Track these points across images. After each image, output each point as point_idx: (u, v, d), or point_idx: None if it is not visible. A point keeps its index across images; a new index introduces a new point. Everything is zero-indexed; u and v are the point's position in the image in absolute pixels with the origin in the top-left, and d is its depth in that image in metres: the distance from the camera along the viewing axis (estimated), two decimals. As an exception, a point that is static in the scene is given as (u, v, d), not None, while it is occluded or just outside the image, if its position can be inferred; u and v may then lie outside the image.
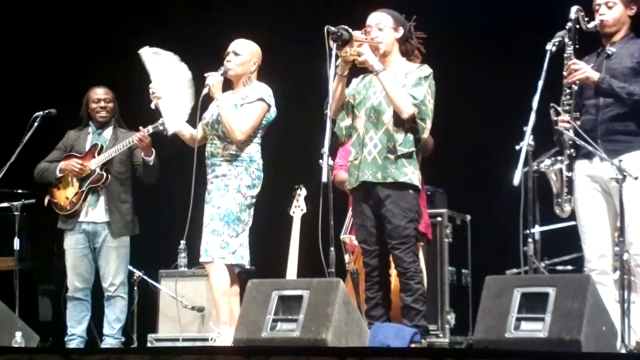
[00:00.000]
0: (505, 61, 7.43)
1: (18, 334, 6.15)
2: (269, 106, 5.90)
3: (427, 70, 5.57)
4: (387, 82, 5.45)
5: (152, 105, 6.11)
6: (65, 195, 6.84)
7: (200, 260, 5.88)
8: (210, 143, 5.94)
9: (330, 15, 5.66)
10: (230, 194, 5.80)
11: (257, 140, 5.91)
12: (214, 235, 5.79)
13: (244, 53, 5.94)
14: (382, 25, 5.60)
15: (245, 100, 5.87)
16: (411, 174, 5.49)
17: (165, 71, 6.13)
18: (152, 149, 6.70)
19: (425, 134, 5.57)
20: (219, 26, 7.60)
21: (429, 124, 5.54)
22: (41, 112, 6.83)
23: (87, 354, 4.18)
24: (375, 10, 5.68)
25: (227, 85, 6.00)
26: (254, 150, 5.88)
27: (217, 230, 5.78)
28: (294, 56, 7.80)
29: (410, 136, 5.50)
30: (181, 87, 6.11)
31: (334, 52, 5.36)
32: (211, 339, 5.84)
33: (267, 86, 5.95)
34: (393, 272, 5.63)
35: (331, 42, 5.35)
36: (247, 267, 5.97)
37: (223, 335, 5.71)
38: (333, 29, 5.37)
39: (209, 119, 5.94)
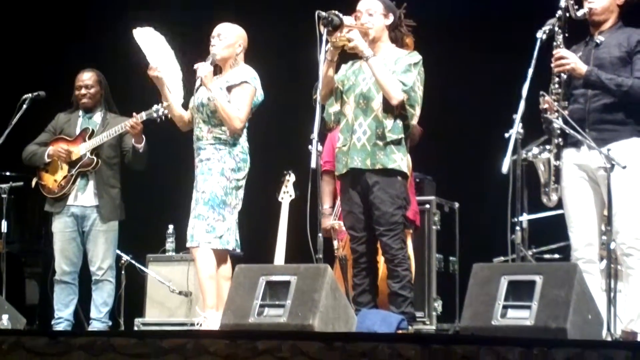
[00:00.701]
0: (496, 49, 7.42)
1: (5, 317, 6.16)
2: (255, 89, 5.89)
3: (416, 57, 5.56)
4: (376, 68, 5.45)
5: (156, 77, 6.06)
6: (53, 179, 6.82)
7: (187, 245, 5.88)
8: (196, 127, 5.94)
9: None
10: (214, 177, 5.79)
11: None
12: (199, 220, 5.78)
13: (228, 36, 5.93)
14: (373, 11, 5.59)
15: (229, 83, 5.86)
16: (400, 160, 5.49)
17: (159, 50, 6.12)
18: (143, 136, 6.69)
19: (414, 120, 5.57)
20: (208, 9, 7.58)
21: (418, 111, 5.55)
22: (30, 94, 6.79)
23: (74, 337, 4.18)
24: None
25: (216, 69, 5.99)
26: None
27: (202, 215, 5.77)
28: (284, 41, 7.80)
29: (400, 122, 5.50)
30: (173, 64, 6.11)
31: (324, 37, 5.35)
32: (197, 324, 5.83)
33: (252, 69, 5.93)
34: (381, 258, 5.63)
35: (322, 27, 5.34)
36: (237, 251, 5.97)
37: (209, 320, 5.71)
38: (324, 13, 5.36)
39: (194, 102, 5.94)
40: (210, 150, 5.83)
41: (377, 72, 5.44)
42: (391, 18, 5.62)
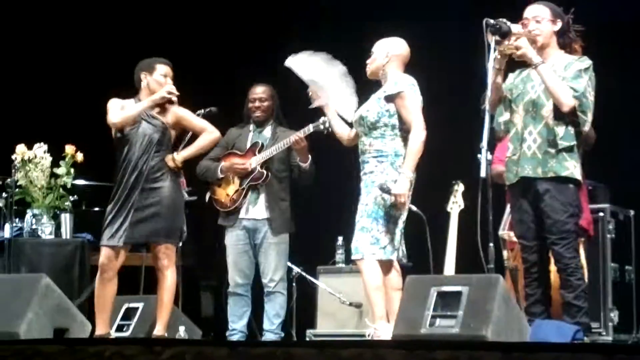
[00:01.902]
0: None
1: (181, 329, 6.28)
2: (415, 94, 5.85)
3: (587, 61, 5.45)
4: (546, 75, 5.37)
5: (313, 105, 6.20)
6: (226, 193, 6.96)
7: (352, 257, 5.89)
8: (359, 140, 5.97)
9: (488, 7, 5.61)
10: (376, 189, 5.79)
11: (402, 134, 5.87)
12: (362, 232, 5.78)
13: (375, 51, 5.98)
14: (540, 18, 5.52)
15: (386, 93, 5.86)
16: (573, 168, 5.39)
17: (318, 70, 6.19)
18: (309, 155, 6.77)
19: (587, 127, 5.45)
20: (376, 22, 7.62)
21: (590, 117, 5.43)
22: (202, 110, 6.90)
23: (253, 347, 4.25)
24: (532, 2, 5.60)
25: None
26: (399, 144, 5.85)
27: (366, 227, 5.78)
28: (452, 49, 7.73)
29: (571, 129, 5.40)
30: (339, 80, 6.16)
31: (492, 45, 5.32)
32: (368, 335, 5.84)
33: (409, 76, 5.90)
34: (553, 268, 5.53)
35: (489, 35, 5.31)
36: (404, 261, 5.95)
37: (380, 331, 5.71)
38: (492, 21, 5.34)
39: (355, 117, 5.98)
40: (373, 163, 5.85)
41: (547, 79, 5.36)
42: (559, 24, 5.52)
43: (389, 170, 5.81)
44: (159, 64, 6.22)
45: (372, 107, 5.90)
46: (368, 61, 6.01)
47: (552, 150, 5.39)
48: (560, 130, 5.39)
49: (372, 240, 5.76)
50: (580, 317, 5.31)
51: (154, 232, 6.08)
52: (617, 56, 7.13)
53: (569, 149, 5.39)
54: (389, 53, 5.94)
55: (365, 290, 5.86)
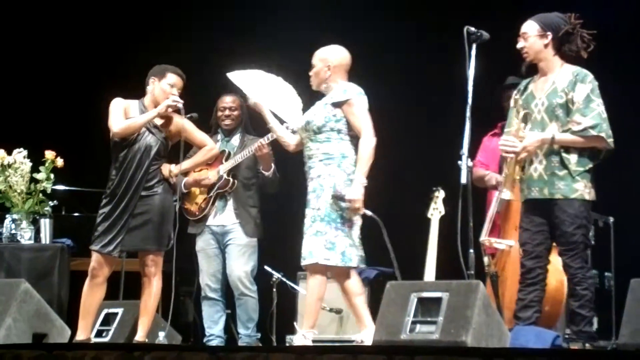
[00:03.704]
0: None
1: (161, 334, 6.25)
2: (362, 102, 5.84)
3: (588, 79, 5.44)
4: (567, 140, 5.40)
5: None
6: (194, 201, 6.98)
7: (304, 263, 5.80)
8: (305, 146, 5.93)
9: (476, 17, 5.62)
10: (326, 192, 5.75)
11: (350, 138, 5.84)
12: (317, 236, 5.73)
13: (315, 63, 5.95)
14: (527, 35, 5.51)
15: (333, 99, 5.84)
16: (582, 188, 5.42)
17: (257, 83, 6.23)
18: (272, 164, 6.78)
19: (612, 143, 5.45)
20: (347, 24, 7.62)
21: (610, 132, 5.43)
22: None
23: (233, 352, 4.24)
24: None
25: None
26: (346, 147, 5.82)
27: (320, 231, 5.72)
28: (433, 57, 7.75)
29: (586, 154, 5.44)
30: (281, 90, 6.21)
31: (473, 52, 5.33)
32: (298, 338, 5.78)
33: (355, 85, 5.88)
34: (552, 281, 5.57)
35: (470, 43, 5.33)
36: (362, 267, 5.93)
37: (303, 338, 5.68)
38: (472, 29, 5.35)
39: (302, 122, 5.96)
40: (319, 167, 5.81)
41: (570, 142, 5.40)
42: (550, 36, 5.49)
43: (337, 171, 5.77)
44: (170, 72, 6.16)
45: (318, 112, 5.87)
46: (310, 73, 5.97)
47: (560, 173, 5.42)
48: (573, 156, 5.42)
49: (327, 244, 5.71)
50: (583, 326, 5.36)
51: (145, 239, 6.04)
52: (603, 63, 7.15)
53: (582, 172, 5.43)
54: (330, 65, 5.90)
55: (307, 297, 5.80)
